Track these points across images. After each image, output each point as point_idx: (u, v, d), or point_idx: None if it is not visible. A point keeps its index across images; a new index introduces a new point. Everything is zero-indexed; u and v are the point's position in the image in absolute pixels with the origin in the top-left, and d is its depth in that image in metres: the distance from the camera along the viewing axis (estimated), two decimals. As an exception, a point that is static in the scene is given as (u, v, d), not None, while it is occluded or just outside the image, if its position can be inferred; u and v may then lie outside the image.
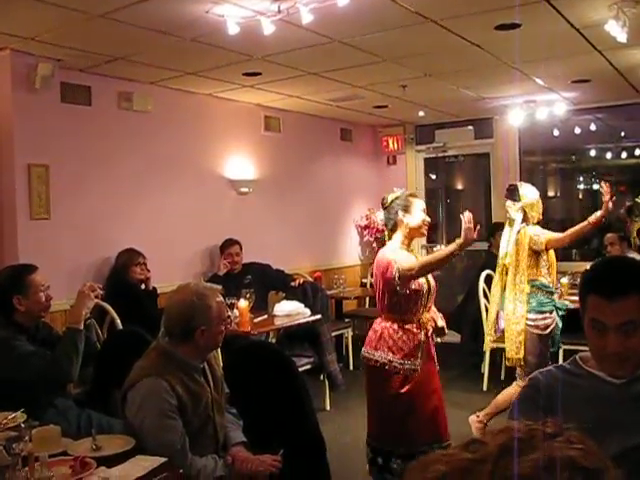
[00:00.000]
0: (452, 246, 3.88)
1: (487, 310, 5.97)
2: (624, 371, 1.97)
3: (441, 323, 4.12)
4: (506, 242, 5.20)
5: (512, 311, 5.10)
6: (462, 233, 3.84)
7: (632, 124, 9.28)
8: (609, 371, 1.99)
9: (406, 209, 4.05)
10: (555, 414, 1.98)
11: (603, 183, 5.08)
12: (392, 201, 4.10)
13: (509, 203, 5.21)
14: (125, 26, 4.63)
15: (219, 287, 3.11)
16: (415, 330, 3.97)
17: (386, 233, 4.20)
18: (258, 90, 6.93)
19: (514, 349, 5.05)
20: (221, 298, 3.03)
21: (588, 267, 2.04)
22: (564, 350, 6.27)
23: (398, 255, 3.96)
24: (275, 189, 8.10)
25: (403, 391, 3.92)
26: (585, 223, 5.09)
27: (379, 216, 4.17)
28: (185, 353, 2.95)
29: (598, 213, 5.03)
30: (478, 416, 5.27)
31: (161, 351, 2.96)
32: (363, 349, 4.09)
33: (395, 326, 3.96)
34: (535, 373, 2.13)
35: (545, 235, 5.16)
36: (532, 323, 5.07)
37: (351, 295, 8.32)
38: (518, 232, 5.18)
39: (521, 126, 8.41)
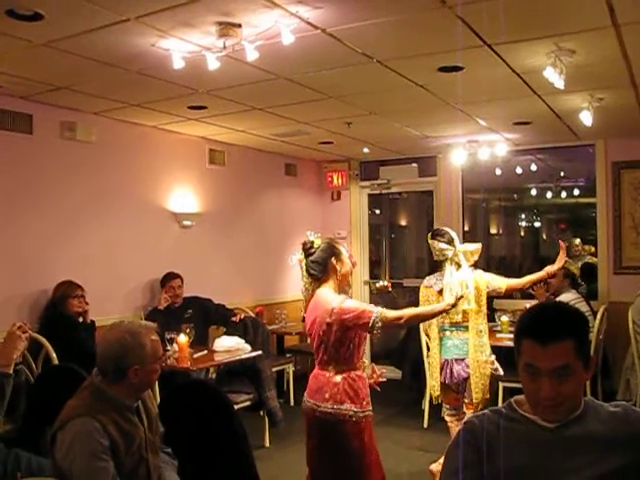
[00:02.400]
0: (442, 305, 4.11)
1: (428, 349, 5.98)
2: (557, 415, 1.99)
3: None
4: (456, 284, 5.16)
5: (477, 357, 5.16)
6: (453, 299, 4.09)
7: (570, 165, 9.56)
8: (543, 415, 2.01)
9: (337, 256, 3.98)
10: (492, 459, 1.99)
11: (561, 241, 5.29)
12: (319, 246, 3.99)
13: (443, 245, 5.24)
14: (69, 56, 4.57)
15: (154, 325, 3.06)
16: (363, 374, 3.96)
17: (305, 281, 4.02)
18: (203, 123, 6.91)
19: (480, 391, 5.14)
20: (156, 336, 2.99)
21: (523, 312, 2.06)
22: (503, 388, 6.34)
23: (353, 303, 3.84)
24: (218, 222, 8.06)
25: (366, 439, 3.85)
26: (543, 273, 5.22)
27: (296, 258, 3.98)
28: (118, 392, 2.89)
29: (555, 266, 5.17)
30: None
31: (94, 390, 2.89)
32: (319, 404, 3.80)
33: (353, 375, 3.84)
34: (470, 417, 2.14)
35: (504, 281, 5.26)
36: (495, 365, 5.21)
37: (293, 330, 8.29)
38: (471, 278, 5.22)
39: (464, 165, 8.54)
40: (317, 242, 4.03)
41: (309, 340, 4.05)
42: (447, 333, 5.30)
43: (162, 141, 7.28)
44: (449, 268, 5.21)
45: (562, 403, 1.96)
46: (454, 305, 4.07)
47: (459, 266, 5.19)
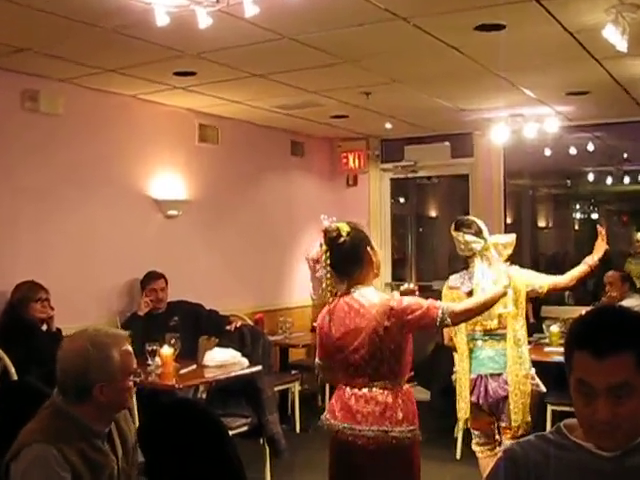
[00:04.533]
0: (500, 288, 4.20)
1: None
2: (615, 442, 1.99)
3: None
4: (490, 284, 5.16)
5: (516, 372, 5.15)
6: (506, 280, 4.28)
7: (636, 145, 9.49)
8: (598, 442, 2.01)
9: (370, 242, 3.97)
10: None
11: (599, 226, 5.34)
12: (348, 233, 3.90)
13: (470, 238, 5.23)
14: (32, 12, 4.59)
15: (125, 333, 3.03)
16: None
17: (328, 282, 3.93)
18: (192, 93, 6.93)
19: (520, 412, 5.13)
20: (128, 346, 2.96)
21: (575, 318, 2.06)
22: (552, 411, 6.34)
23: (411, 299, 3.88)
24: (210, 212, 8.09)
25: (418, 463, 3.91)
26: (586, 267, 5.22)
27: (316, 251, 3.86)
28: (84, 414, 2.86)
29: (594, 256, 5.18)
30: None
31: (54, 411, 2.87)
32: (393, 428, 3.75)
33: (404, 390, 3.87)
34: (511, 444, 2.14)
35: (546, 280, 5.26)
36: (536, 380, 5.22)
37: (299, 342, 8.30)
38: (507, 275, 5.21)
39: (506, 144, 8.51)
40: (344, 228, 3.91)
41: (333, 355, 3.95)
42: (479, 343, 5.28)
43: (143, 114, 7.30)
44: (479, 265, 5.19)
45: (619, 427, 1.95)
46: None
47: (490, 262, 5.19)
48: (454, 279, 5.41)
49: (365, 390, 3.82)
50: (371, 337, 3.75)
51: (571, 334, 2.05)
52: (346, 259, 3.88)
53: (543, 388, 5.25)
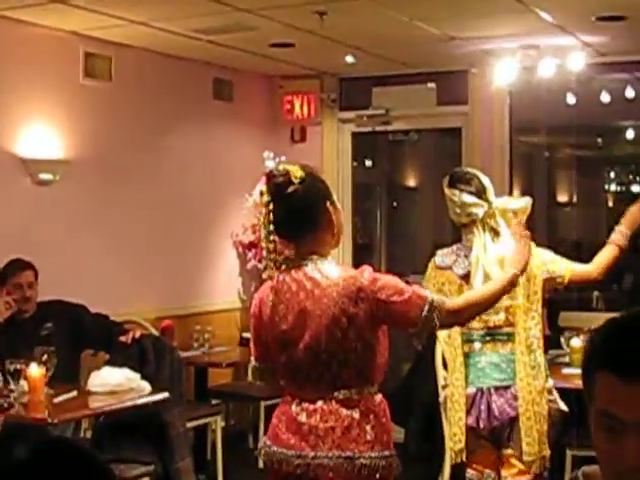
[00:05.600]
0: (509, 276, 4.27)
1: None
2: (650, 498, 2.02)
3: None
4: (494, 264, 5.18)
5: (529, 385, 5.18)
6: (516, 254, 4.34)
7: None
8: (627, 497, 2.04)
9: (331, 196, 4.00)
10: None
11: None
12: (303, 180, 3.88)
13: (469, 198, 5.24)
14: None
15: None
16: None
17: (268, 245, 3.91)
18: (74, 9, 6.88)
19: (534, 442, 5.14)
20: None
21: (597, 328, 2.07)
22: (572, 457, 6.42)
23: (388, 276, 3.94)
24: (99, 178, 8.06)
25: None
26: (612, 248, 5.29)
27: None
28: None
29: (623, 228, 5.25)
30: None
31: None
32: (360, 453, 3.77)
33: (375, 400, 3.90)
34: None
35: (568, 266, 5.33)
36: (554, 396, 5.28)
37: (223, 360, 8.32)
38: None
39: (514, 87, 8.58)
40: (297, 172, 3.89)
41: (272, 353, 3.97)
42: (477, 346, 5.30)
43: (3, 38, 7.25)
44: (480, 237, 5.17)
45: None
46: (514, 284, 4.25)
47: (496, 234, 5.20)
48: (443, 255, 5.40)
49: (320, 403, 3.82)
50: (330, 329, 3.76)
51: (591, 350, 2.07)
52: (296, 216, 3.88)
53: (564, 406, 5.28)
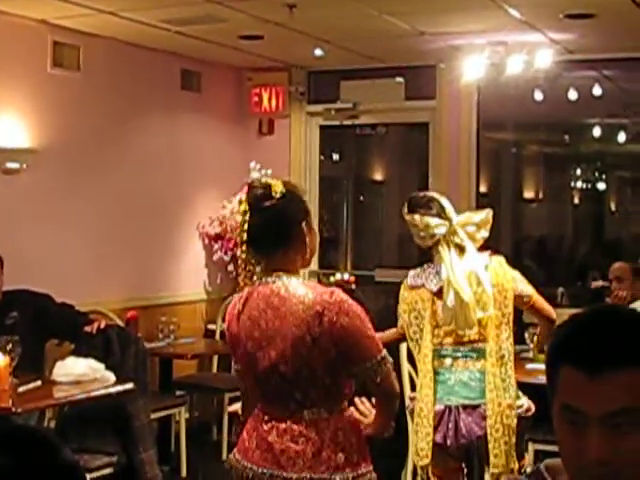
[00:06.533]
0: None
1: (412, 387, 6.05)
2: (612, 493, 2.01)
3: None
4: (463, 278, 5.20)
5: (499, 400, 5.20)
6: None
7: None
8: (589, 491, 2.03)
9: (309, 217, 3.99)
10: None
11: None
12: (283, 195, 3.85)
13: (431, 220, 5.26)
14: None
15: None
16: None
17: (244, 257, 3.91)
18: (43, -3, 6.86)
19: (502, 456, 5.16)
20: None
21: (562, 323, 2.07)
22: (535, 451, 6.44)
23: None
24: (66, 167, 8.04)
25: None
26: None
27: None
28: None
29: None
30: None
31: None
32: (331, 474, 3.75)
33: (345, 418, 3.89)
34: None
35: (531, 288, 5.40)
36: (522, 401, 5.31)
37: (188, 352, 8.31)
38: (486, 267, 5.26)
39: (482, 83, 8.58)
40: (277, 187, 3.85)
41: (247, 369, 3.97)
42: (448, 362, 5.30)
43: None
44: (446, 255, 5.21)
45: (620, 471, 1.98)
46: None
47: (461, 250, 5.23)
48: (414, 276, 5.41)
49: (290, 422, 3.80)
50: (295, 347, 3.74)
51: (556, 344, 2.06)
52: (269, 231, 3.85)
53: (531, 405, 5.32)
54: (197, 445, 8.03)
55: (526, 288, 5.34)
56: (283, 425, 3.79)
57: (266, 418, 3.85)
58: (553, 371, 2.03)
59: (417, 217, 5.25)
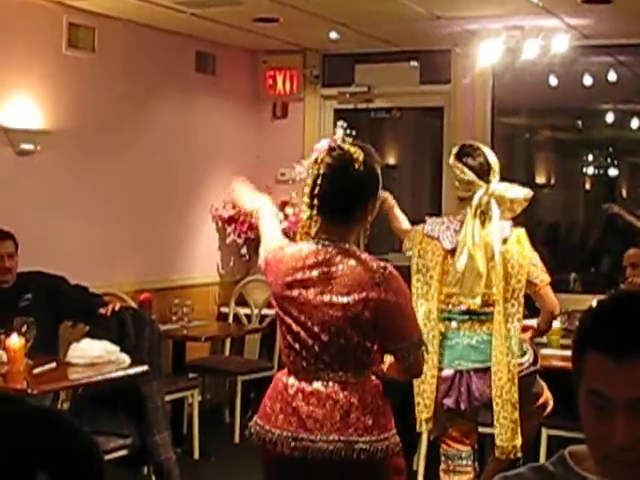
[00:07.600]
0: None
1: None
2: (638, 478, 2.00)
3: None
4: (481, 251, 5.17)
5: (497, 372, 5.16)
6: None
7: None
8: (615, 477, 2.02)
9: (377, 195, 4.04)
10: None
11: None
12: (365, 164, 3.84)
13: (470, 176, 5.22)
14: None
15: None
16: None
17: (307, 220, 3.92)
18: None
19: (508, 431, 5.14)
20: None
21: (588, 308, 2.06)
22: (548, 437, 6.42)
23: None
24: (80, 149, 8.04)
25: None
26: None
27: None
28: None
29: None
30: None
31: None
32: (360, 437, 3.78)
33: (371, 382, 3.92)
34: (499, 478, 2.15)
35: (543, 275, 5.39)
36: (527, 358, 5.34)
37: (201, 334, 8.32)
38: (505, 241, 5.24)
39: (497, 68, 8.56)
40: (359, 155, 3.83)
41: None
42: (453, 325, 5.32)
43: (-13, 6, 7.19)
44: (471, 219, 5.18)
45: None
46: None
47: (487, 219, 5.17)
48: (433, 224, 5.40)
49: (318, 384, 3.82)
50: (337, 314, 3.78)
51: (582, 329, 2.06)
52: (339, 202, 3.88)
53: (537, 358, 5.37)
54: (210, 427, 8.04)
55: (538, 274, 5.31)
56: (309, 388, 3.81)
57: (292, 380, 3.87)
58: (579, 356, 2.02)
59: (460, 165, 5.27)
